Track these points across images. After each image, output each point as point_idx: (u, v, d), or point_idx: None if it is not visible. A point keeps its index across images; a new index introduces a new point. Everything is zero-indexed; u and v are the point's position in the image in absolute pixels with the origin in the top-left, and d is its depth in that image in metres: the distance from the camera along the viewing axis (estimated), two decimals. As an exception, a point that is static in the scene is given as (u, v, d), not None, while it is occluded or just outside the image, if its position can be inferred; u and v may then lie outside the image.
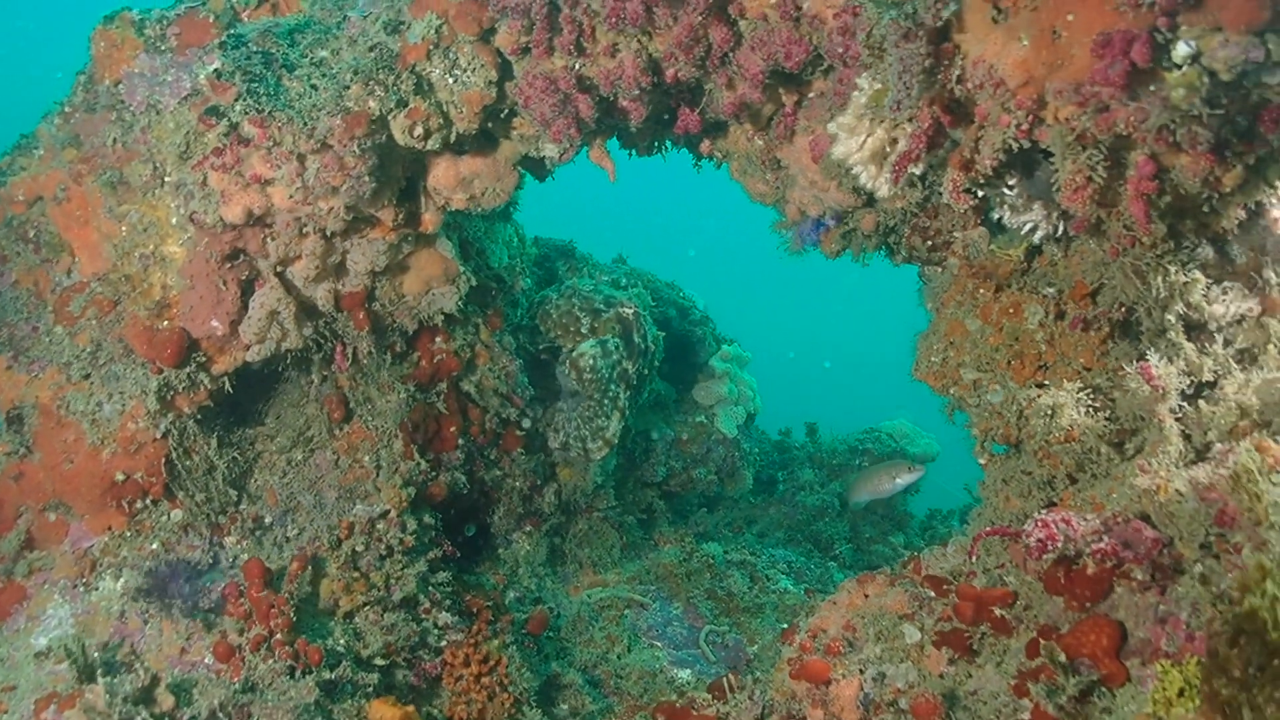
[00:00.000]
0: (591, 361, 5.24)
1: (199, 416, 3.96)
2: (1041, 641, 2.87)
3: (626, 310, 5.23)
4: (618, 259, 6.45)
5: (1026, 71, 2.36)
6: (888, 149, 2.96)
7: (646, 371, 5.36)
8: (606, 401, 5.28)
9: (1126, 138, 2.49)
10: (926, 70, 2.47)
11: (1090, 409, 3.17)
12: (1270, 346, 2.97)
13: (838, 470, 7.00)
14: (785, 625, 5.42)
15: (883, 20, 2.48)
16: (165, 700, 3.03)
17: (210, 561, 4.00)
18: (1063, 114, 2.42)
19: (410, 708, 3.41)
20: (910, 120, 2.73)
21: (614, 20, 3.19)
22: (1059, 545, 2.80)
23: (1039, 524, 2.81)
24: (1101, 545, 2.75)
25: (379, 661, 3.88)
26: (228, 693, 3.10)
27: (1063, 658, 2.79)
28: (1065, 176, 2.52)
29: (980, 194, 2.95)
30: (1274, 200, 2.91)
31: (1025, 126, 2.49)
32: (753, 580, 5.68)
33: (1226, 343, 3.05)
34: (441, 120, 3.51)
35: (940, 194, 3.75)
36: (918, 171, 2.98)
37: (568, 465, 5.41)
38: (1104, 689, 2.70)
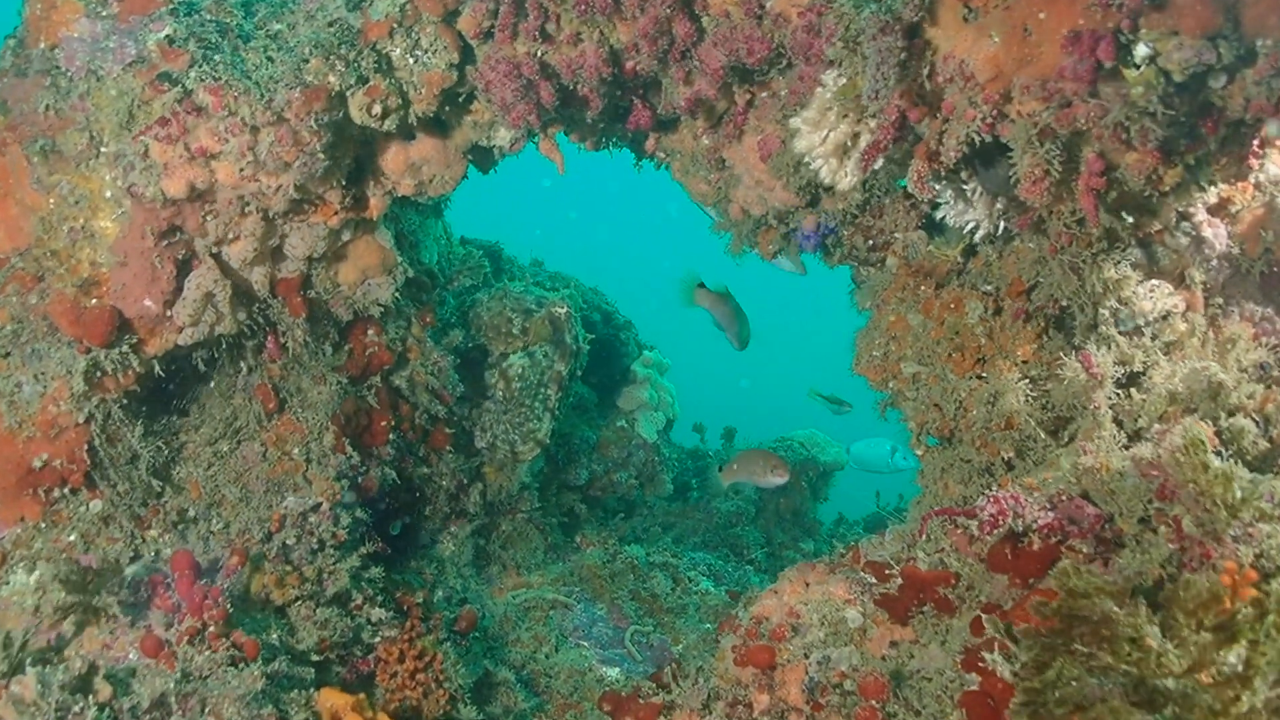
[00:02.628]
0: (520, 371, 5.24)
1: (124, 402, 3.78)
2: (986, 617, 3.00)
3: (559, 310, 5.24)
4: (535, 262, 6.45)
5: (996, 66, 2.50)
6: (849, 143, 3.07)
7: (578, 372, 5.37)
8: (537, 404, 5.28)
9: (1080, 134, 2.65)
10: (901, 63, 2.59)
11: (1028, 397, 3.34)
12: (1194, 339, 3.20)
13: (754, 475, 7.12)
14: (709, 625, 5.48)
15: (861, 15, 2.60)
16: (103, 690, 2.87)
17: (132, 555, 3.81)
18: (1026, 109, 2.57)
19: (361, 695, 3.31)
20: (876, 115, 2.85)
21: (582, 8, 3.23)
22: (1009, 521, 2.94)
23: (991, 501, 2.94)
24: (1047, 520, 2.90)
25: (314, 657, 3.76)
26: (168, 683, 2.95)
27: (1012, 629, 2.92)
28: (1024, 169, 2.67)
29: (939, 186, 3.10)
30: (1200, 205, 3.14)
31: (990, 120, 2.63)
32: (675, 582, 5.72)
33: (1154, 336, 3.27)
34: (400, 100, 3.47)
35: (880, 196, 3.92)
36: (877, 166, 3.09)
37: (494, 465, 5.37)
38: (1052, 657, 2.84)
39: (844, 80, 2.93)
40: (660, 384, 6.55)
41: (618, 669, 4.93)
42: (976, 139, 2.69)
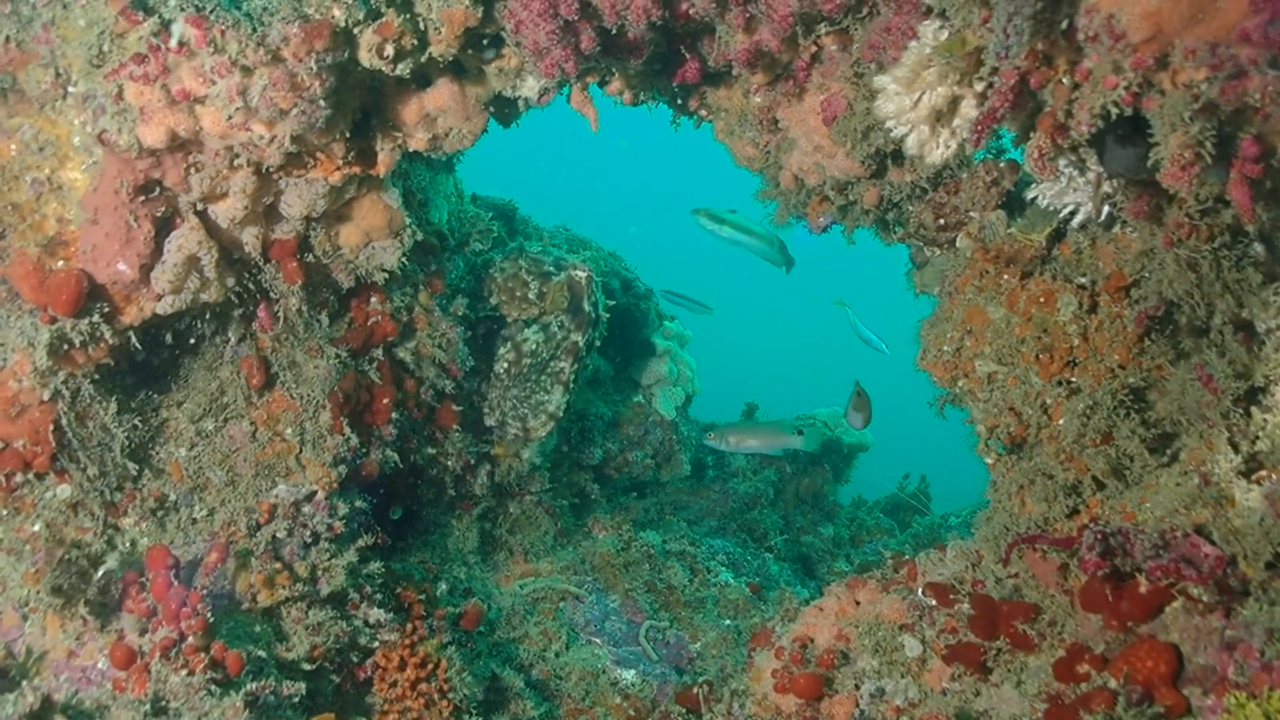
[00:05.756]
0: (533, 347, 4.80)
1: (96, 376, 3.35)
2: (1086, 664, 2.61)
3: (579, 274, 4.77)
4: (559, 227, 5.96)
5: (1156, 24, 2.05)
6: (945, 110, 2.62)
7: (597, 342, 4.93)
8: (545, 379, 4.84)
9: (1239, 113, 2.21)
10: (1037, 14, 2.13)
11: (1129, 410, 2.92)
12: (1327, 352, 2.77)
13: (770, 457, 6.73)
14: (728, 621, 5.12)
15: (988, -48, 2.13)
16: (60, 725, 2.47)
17: (104, 546, 3.41)
18: (1184, 77, 2.12)
19: (359, 729, 2.94)
20: (988, 78, 2.40)
21: (633, -62, 2.74)
22: (1116, 559, 2.54)
23: (1098, 536, 2.54)
24: (1161, 562, 2.50)
25: (305, 667, 3.38)
26: (138, 716, 2.55)
27: (1113, 683, 2.54)
28: (1171, 152, 2.22)
29: (1063, 164, 2.65)
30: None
31: (1134, 90, 2.18)
32: (693, 572, 5.35)
33: (1276, 347, 2.84)
34: (415, 41, 3.00)
35: (955, 169, 3.47)
36: (971, 142, 2.64)
37: (503, 444, 4.95)
38: (1163, 721, 2.46)
39: (947, 33, 2.46)
40: (681, 357, 6.11)
41: (633, 671, 4.56)
42: (1113, 111, 2.24)
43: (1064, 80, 2.29)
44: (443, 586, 4.40)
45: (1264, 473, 2.69)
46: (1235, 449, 2.79)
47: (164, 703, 2.70)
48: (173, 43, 2.79)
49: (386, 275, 3.92)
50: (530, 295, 4.78)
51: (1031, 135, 2.38)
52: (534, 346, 4.79)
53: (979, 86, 2.49)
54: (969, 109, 2.52)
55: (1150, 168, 2.32)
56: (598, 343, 5.08)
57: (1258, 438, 2.78)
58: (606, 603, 4.97)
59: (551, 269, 4.83)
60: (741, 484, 6.48)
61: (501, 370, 4.82)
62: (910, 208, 3.60)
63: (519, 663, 4.40)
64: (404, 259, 3.91)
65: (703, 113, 3.87)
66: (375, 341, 4.15)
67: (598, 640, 4.74)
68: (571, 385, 4.93)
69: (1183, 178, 2.23)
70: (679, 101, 3.82)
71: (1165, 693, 2.46)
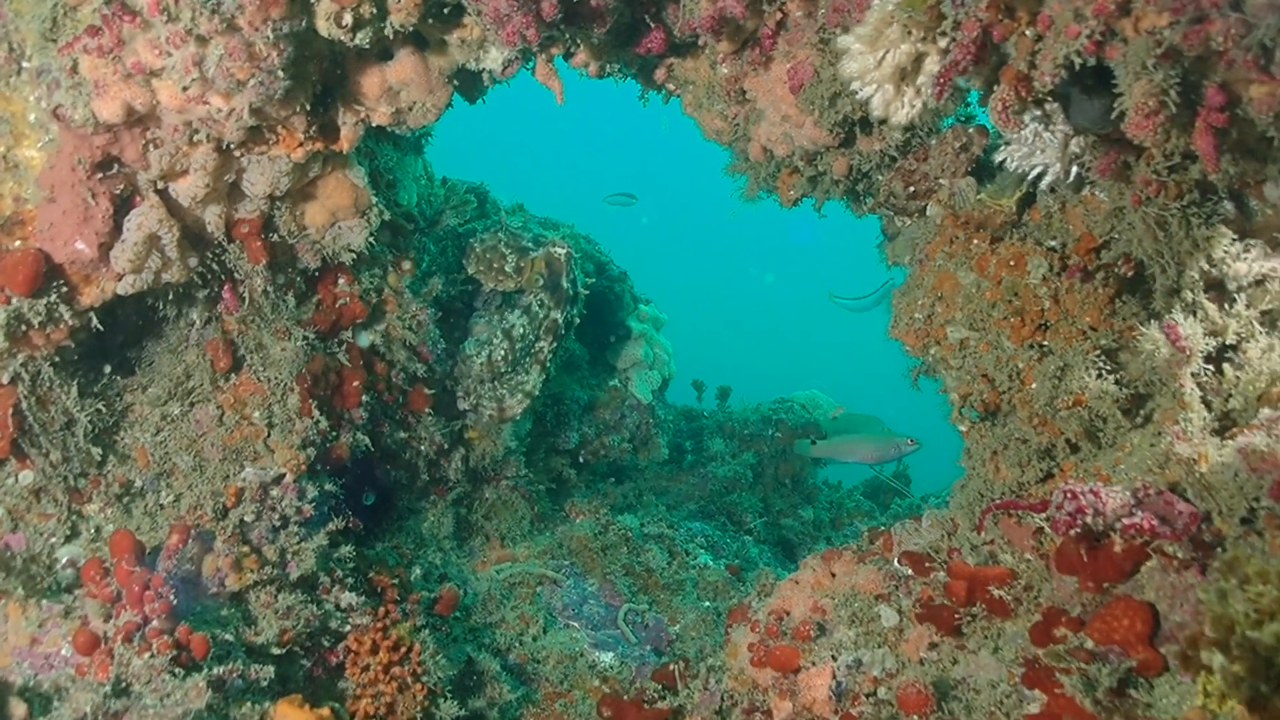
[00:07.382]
0: (520, 331, 4.77)
1: (56, 359, 3.29)
2: (1063, 627, 2.59)
3: (558, 251, 4.73)
4: (517, 206, 5.91)
5: (1116, -32, 2.03)
6: (909, 68, 2.59)
7: (575, 320, 4.89)
8: (527, 359, 4.80)
9: (1202, 60, 2.19)
10: (996, -39, 2.11)
11: (1101, 371, 2.91)
12: (1296, 308, 2.76)
13: (749, 440, 6.72)
14: (707, 603, 5.09)
15: (946, -100, 2.11)
16: (17, 709, 2.41)
17: (67, 533, 3.34)
18: (1145, 24, 2.10)
19: (326, 710, 2.88)
20: (950, 31, 2.37)
21: (593, -100, 2.71)
22: (1087, 519, 2.52)
23: (1068, 496, 2.51)
24: (1135, 520, 2.48)
25: (274, 651, 3.32)
26: (97, 697, 2.49)
27: (1090, 644, 2.52)
28: (1135, 100, 2.21)
29: (1027, 119, 2.63)
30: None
31: (1097, 38, 2.16)
32: (671, 555, 5.31)
33: (1248, 304, 2.83)
34: (375, 9, 2.95)
35: (924, 136, 3.44)
36: (933, 95, 2.61)
37: (478, 428, 4.90)
38: (1140, 679, 2.44)
39: (910, -10, 2.43)
40: (656, 340, 6.08)
41: (611, 653, 4.52)
42: (1076, 61, 2.22)
43: (1027, 32, 2.27)
44: (417, 571, 4.35)
45: (1237, 429, 2.68)
46: (1208, 407, 2.79)
47: (125, 685, 2.64)
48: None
49: (354, 256, 3.87)
50: (507, 268, 4.74)
51: (995, 89, 2.36)
52: (521, 330, 4.75)
53: (942, 43, 2.47)
54: (932, 65, 2.49)
55: (1115, 119, 2.30)
56: (577, 320, 5.04)
57: (1230, 395, 2.77)
58: (584, 586, 4.93)
59: (530, 244, 4.79)
60: (720, 468, 6.46)
61: (499, 357, 4.76)
62: (880, 177, 3.58)
63: (496, 647, 4.35)
64: (371, 239, 3.86)
65: (670, 86, 3.83)
66: (344, 323, 4.10)
67: (576, 624, 4.70)
68: (549, 364, 4.89)
69: (1147, 126, 2.21)
70: (646, 74, 3.78)
71: (1141, 650, 2.45)
